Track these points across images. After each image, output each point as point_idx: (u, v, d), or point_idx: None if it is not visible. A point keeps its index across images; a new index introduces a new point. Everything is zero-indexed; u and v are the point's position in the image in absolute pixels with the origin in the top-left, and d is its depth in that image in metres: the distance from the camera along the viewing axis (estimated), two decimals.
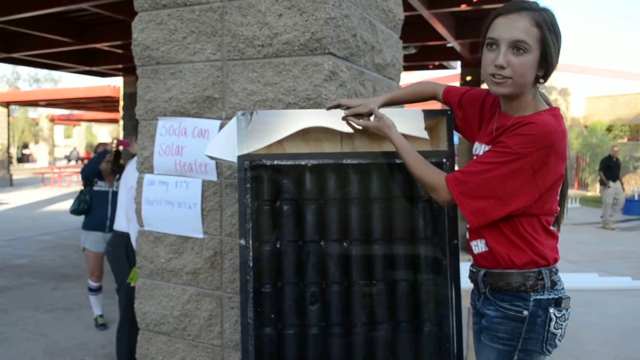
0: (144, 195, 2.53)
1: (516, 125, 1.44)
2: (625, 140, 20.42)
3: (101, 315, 5.47)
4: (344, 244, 1.91)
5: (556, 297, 1.52)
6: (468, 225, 1.65)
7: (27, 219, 12.72)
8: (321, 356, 1.90)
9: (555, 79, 22.68)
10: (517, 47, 1.43)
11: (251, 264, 1.83)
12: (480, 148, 1.66)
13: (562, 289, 1.56)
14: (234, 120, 1.89)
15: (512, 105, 1.56)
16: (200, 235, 2.40)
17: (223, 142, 1.89)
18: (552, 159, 1.43)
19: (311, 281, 1.90)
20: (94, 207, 5.11)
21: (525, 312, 1.51)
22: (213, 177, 2.34)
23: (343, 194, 1.89)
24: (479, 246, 1.62)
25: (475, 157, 1.64)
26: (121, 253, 3.87)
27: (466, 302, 3.53)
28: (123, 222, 3.86)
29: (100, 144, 5.56)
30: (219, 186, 2.35)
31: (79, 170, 23.84)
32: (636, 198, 15.58)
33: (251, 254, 1.83)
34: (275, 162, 1.85)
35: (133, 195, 3.45)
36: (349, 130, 1.86)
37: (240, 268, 1.81)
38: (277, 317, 1.90)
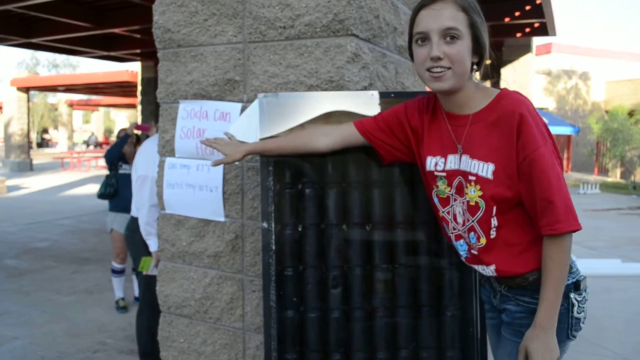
0: (165, 179, 2.54)
1: (513, 126, 1.38)
2: None
3: (122, 298, 5.55)
4: (366, 227, 1.90)
5: (574, 280, 1.49)
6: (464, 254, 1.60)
7: (47, 203, 12.89)
8: (343, 339, 1.90)
9: (575, 63, 22.32)
10: (449, 35, 1.39)
11: (273, 247, 1.83)
12: (442, 162, 1.56)
13: (577, 270, 1.52)
14: (255, 103, 1.87)
15: (456, 100, 1.50)
16: (222, 219, 2.40)
17: (245, 124, 1.88)
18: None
19: (333, 265, 1.89)
20: (120, 189, 5.20)
21: None
22: None
23: (365, 177, 1.88)
24: (485, 271, 1.57)
25: (438, 173, 1.56)
26: (139, 237, 3.90)
27: None
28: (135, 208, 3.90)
29: (122, 130, 5.62)
30: (240, 169, 2.35)
31: (97, 155, 24.13)
32: None
33: (273, 237, 1.83)
34: None
35: (141, 184, 3.48)
36: (372, 112, 1.83)
37: (262, 251, 1.81)
38: (299, 300, 1.90)
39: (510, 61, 8.56)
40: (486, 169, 1.43)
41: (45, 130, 38.24)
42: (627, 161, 19.19)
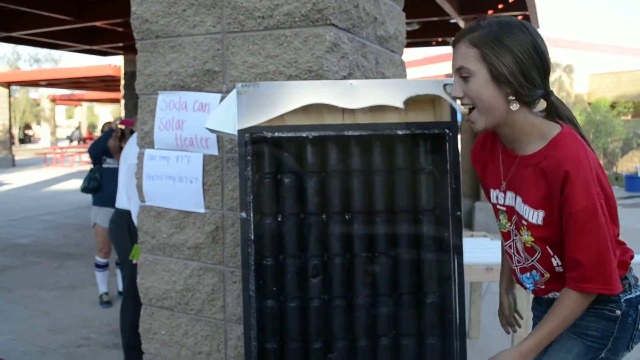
0: (144, 170, 2.52)
1: (560, 181, 1.34)
2: (629, 117, 20.29)
3: (106, 293, 5.52)
4: (346, 216, 1.90)
5: None
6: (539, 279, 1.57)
7: (30, 199, 12.75)
8: (323, 328, 1.91)
9: (559, 56, 22.49)
10: (461, 75, 1.39)
11: (252, 237, 1.82)
12: (502, 197, 1.56)
13: (635, 279, 1.53)
14: (233, 93, 1.86)
15: (506, 136, 1.48)
16: (202, 210, 2.39)
17: (223, 114, 1.87)
18: (601, 179, 1.37)
19: (313, 254, 1.89)
20: (104, 184, 5.18)
21: (618, 312, 1.46)
22: (214, 151, 2.33)
23: (345, 166, 1.88)
24: (557, 295, 1.53)
25: (500, 207, 1.59)
26: (123, 230, 3.88)
27: (469, 276, 3.55)
28: (124, 199, 3.88)
29: (106, 123, 5.60)
30: (220, 160, 2.34)
31: (81, 150, 23.90)
32: (639, 175, 15.53)
33: (252, 226, 1.82)
34: (276, 134, 1.83)
35: (133, 172, 3.46)
36: (351, 106, 1.83)
37: (241, 241, 1.81)
38: (278, 290, 1.90)
39: None
40: (537, 216, 1.42)
41: (27, 126, 37.78)
42: (609, 153, 19.40)
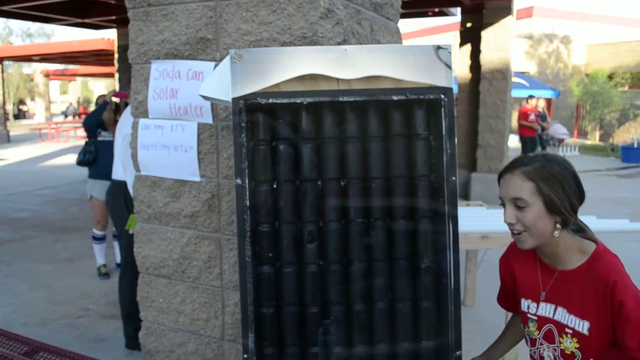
0: (139, 140, 2.51)
1: (608, 292, 1.47)
2: (626, 88, 20.23)
3: (104, 265, 5.55)
4: (342, 183, 1.90)
5: None
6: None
7: (26, 174, 12.74)
8: (319, 293, 1.93)
9: (557, 27, 22.30)
10: (516, 204, 1.52)
11: (248, 203, 1.83)
12: (535, 307, 1.66)
13: None
14: (227, 59, 1.85)
15: (546, 254, 1.61)
16: (197, 179, 2.39)
17: (216, 81, 1.86)
18: None
19: (308, 220, 1.90)
20: (99, 156, 5.18)
21: None
22: (209, 119, 2.32)
23: (340, 132, 1.87)
24: None
25: (530, 315, 1.68)
26: (120, 201, 3.89)
27: (464, 245, 3.58)
28: (120, 170, 3.88)
29: (100, 96, 5.56)
30: (214, 129, 2.33)
31: (76, 125, 23.74)
32: (635, 146, 15.55)
33: (248, 193, 1.83)
34: (271, 100, 1.82)
35: (128, 143, 3.45)
36: (346, 76, 1.82)
37: (237, 207, 1.81)
38: (274, 256, 1.91)
39: (490, 24, 8.50)
40: (582, 325, 1.53)
41: (21, 102, 37.46)
42: (605, 124, 19.41)
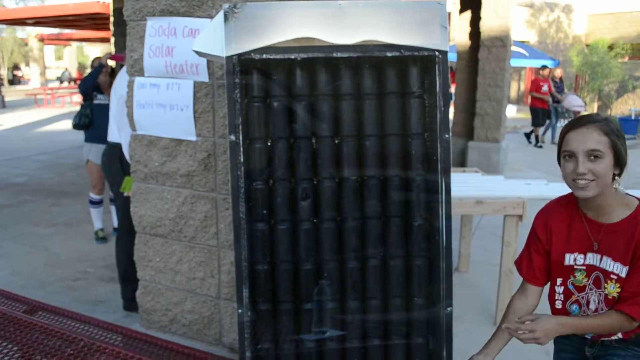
0: (135, 99, 2.51)
1: None
2: (626, 59, 20.08)
3: (102, 229, 5.58)
4: (335, 140, 1.91)
5: None
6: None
7: (22, 139, 12.68)
8: (313, 250, 1.95)
9: None
10: (593, 155, 1.62)
11: (242, 160, 1.83)
12: (582, 258, 1.78)
13: None
14: (221, 13, 1.83)
15: (595, 206, 1.72)
16: (193, 138, 2.39)
17: (211, 36, 1.84)
18: None
19: (302, 177, 1.91)
20: (95, 120, 5.15)
21: None
22: (204, 78, 2.31)
23: (334, 89, 1.87)
24: (611, 337, 1.80)
25: (578, 266, 1.79)
26: (115, 163, 3.89)
27: (459, 209, 3.60)
28: (115, 132, 3.86)
29: (96, 58, 5.50)
30: (210, 87, 2.33)
31: (72, 91, 23.51)
32: (633, 117, 15.52)
33: (242, 149, 1.83)
34: (264, 56, 1.81)
35: (123, 105, 3.43)
36: (341, 41, 1.81)
37: (230, 163, 1.82)
38: (269, 213, 1.93)
39: None
40: (622, 270, 1.69)
41: (16, 67, 37.05)
42: (604, 95, 19.31)
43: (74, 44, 37.37)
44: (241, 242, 1.87)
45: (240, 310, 1.92)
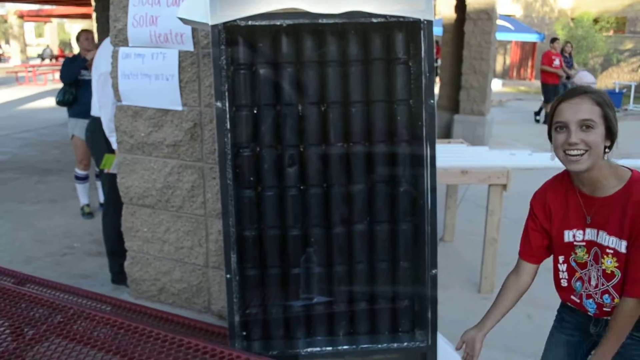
0: (119, 69, 2.49)
1: None
2: (611, 32, 20.16)
3: (87, 205, 5.56)
4: (322, 107, 1.93)
5: None
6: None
7: (4, 117, 12.50)
8: (300, 216, 1.98)
9: None
10: (585, 125, 1.62)
11: (228, 126, 1.84)
12: (581, 234, 1.77)
13: None
14: None
15: (588, 180, 1.71)
16: (179, 108, 2.39)
17: (196, 3, 1.84)
18: None
19: (289, 144, 1.93)
20: (79, 95, 5.10)
21: None
22: (189, 47, 2.30)
23: (320, 55, 1.88)
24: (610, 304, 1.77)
25: (577, 242, 1.78)
26: (100, 138, 3.86)
27: (445, 179, 3.65)
28: (97, 106, 3.84)
29: (82, 31, 5.41)
30: (196, 56, 2.32)
31: (53, 68, 23.10)
32: (617, 91, 15.65)
33: (228, 116, 1.84)
34: (250, 22, 1.81)
35: (104, 81, 3.41)
36: (329, 10, 1.80)
37: (217, 130, 1.83)
38: (256, 180, 1.95)
39: None
40: (620, 245, 1.68)
41: None
42: (589, 68, 19.41)
43: (55, 20, 36.66)
44: (229, 208, 1.89)
45: (228, 276, 1.95)
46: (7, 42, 34.74)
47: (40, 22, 37.41)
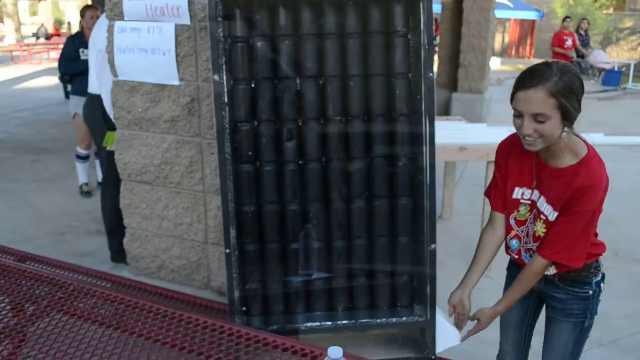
0: (115, 44, 2.46)
1: (582, 191, 1.66)
2: (610, 10, 20.01)
3: (86, 183, 5.55)
4: (320, 80, 1.91)
5: (602, 274, 1.88)
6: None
7: (0, 96, 12.41)
8: (298, 190, 1.97)
9: None
10: (537, 119, 1.61)
11: (226, 100, 1.83)
12: (529, 193, 1.82)
13: (602, 265, 1.90)
14: None
15: (547, 151, 1.73)
16: (176, 82, 2.37)
17: None
18: (606, 191, 1.71)
19: (287, 118, 1.92)
20: (83, 73, 5.04)
21: (591, 292, 1.85)
22: (186, 20, 2.27)
23: (318, 27, 1.86)
24: (549, 270, 1.84)
25: (524, 200, 1.83)
26: (97, 115, 3.83)
27: (443, 156, 3.64)
28: (96, 84, 3.80)
29: (85, 7, 5.32)
30: (192, 30, 2.29)
31: (49, 47, 22.87)
32: (616, 69, 15.57)
33: (225, 89, 1.82)
34: None
35: (103, 59, 3.36)
36: None
37: (215, 103, 1.81)
38: (254, 154, 1.94)
39: None
40: (552, 214, 1.74)
41: None
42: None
43: None
44: (227, 183, 1.89)
45: (227, 251, 1.95)
46: (2, 20, 34.38)
47: (34, 0, 36.97)
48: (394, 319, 2.07)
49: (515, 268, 1.96)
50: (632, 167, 6.62)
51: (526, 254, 1.88)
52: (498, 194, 1.91)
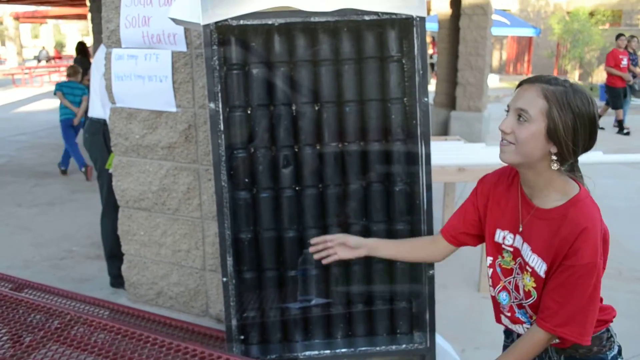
0: (113, 71, 2.47)
1: (572, 237, 1.40)
2: (607, 26, 20.15)
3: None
4: (315, 106, 1.91)
5: (619, 346, 1.59)
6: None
7: (1, 120, 12.47)
8: (295, 217, 1.96)
9: None
10: (519, 115, 1.41)
11: (222, 128, 1.83)
12: (512, 238, 1.58)
13: (615, 335, 1.61)
14: None
15: (528, 183, 1.52)
16: (174, 109, 2.37)
17: (187, 3, 1.82)
18: (606, 238, 1.45)
19: (283, 145, 1.91)
20: None
21: None
22: (182, 47, 2.28)
23: (313, 54, 1.86)
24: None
25: (506, 246, 1.59)
26: (98, 140, 3.84)
27: (442, 177, 3.63)
28: (98, 108, 3.81)
29: (80, 43, 5.39)
30: (189, 57, 2.30)
31: (50, 70, 23.03)
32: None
33: (221, 117, 1.82)
34: (242, 22, 1.79)
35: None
36: (318, 9, 1.77)
37: (211, 132, 1.81)
38: (251, 181, 1.93)
39: None
40: (541, 267, 1.47)
41: None
42: (585, 63, 19.41)
43: (50, 21, 36.61)
44: (224, 211, 1.88)
45: (225, 279, 1.93)
46: (3, 44, 34.68)
47: (36, 23, 37.36)
48: (394, 347, 2.04)
49: (506, 337, 1.74)
50: (635, 183, 6.62)
51: (520, 310, 1.60)
52: (455, 221, 1.73)
